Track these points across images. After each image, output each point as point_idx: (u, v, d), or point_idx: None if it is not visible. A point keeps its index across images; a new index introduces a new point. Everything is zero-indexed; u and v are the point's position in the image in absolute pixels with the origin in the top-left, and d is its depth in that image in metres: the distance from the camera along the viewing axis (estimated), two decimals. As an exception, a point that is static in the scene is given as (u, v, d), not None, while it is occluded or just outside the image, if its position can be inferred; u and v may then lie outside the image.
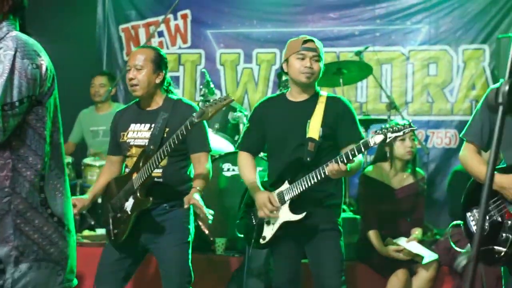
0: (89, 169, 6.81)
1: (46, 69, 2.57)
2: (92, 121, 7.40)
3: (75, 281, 2.80)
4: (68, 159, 6.85)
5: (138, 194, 4.13)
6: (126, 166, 4.40)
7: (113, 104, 7.51)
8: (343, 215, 4.57)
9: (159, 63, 4.36)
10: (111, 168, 4.57)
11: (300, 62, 4.26)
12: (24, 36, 2.56)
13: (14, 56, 2.45)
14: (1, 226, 2.53)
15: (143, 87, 4.29)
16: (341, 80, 6.56)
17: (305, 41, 4.29)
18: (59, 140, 2.70)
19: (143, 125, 4.35)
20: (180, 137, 3.90)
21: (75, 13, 8.77)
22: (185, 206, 4.02)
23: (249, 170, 4.44)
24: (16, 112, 2.45)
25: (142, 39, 8.51)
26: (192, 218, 4.34)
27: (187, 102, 4.42)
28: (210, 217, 3.95)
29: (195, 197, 3.96)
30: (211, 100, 3.85)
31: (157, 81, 4.33)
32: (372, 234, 5.36)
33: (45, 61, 2.58)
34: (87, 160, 6.95)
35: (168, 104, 4.34)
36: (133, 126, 4.38)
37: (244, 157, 4.51)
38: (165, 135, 4.21)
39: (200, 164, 4.27)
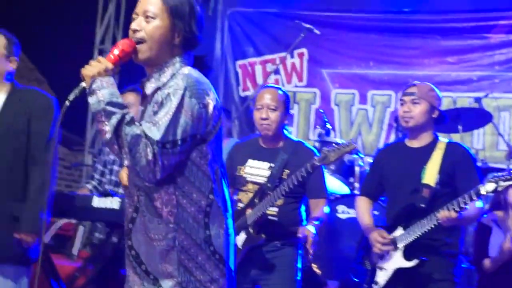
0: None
1: (213, 108, 2.61)
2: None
3: None
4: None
5: (251, 230, 4.21)
6: (239, 200, 4.46)
7: (229, 139, 7.58)
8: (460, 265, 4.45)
9: (288, 105, 4.46)
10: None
11: (400, 107, 4.31)
12: (195, 74, 2.60)
13: (183, 95, 2.50)
14: (166, 262, 2.58)
15: (275, 127, 4.37)
16: (460, 127, 6.41)
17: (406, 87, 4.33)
18: (223, 177, 2.73)
19: (262, 162, 4.42)
20: (300, 179, 3.99)
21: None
22: (299, 235, 4.10)
23: (366, 214, 4.47)
24: (178, 150, 2.50)
25: (259, 76, 8.61)
26: (300, 257, 4.37)
27: (307, 146, 4.49)
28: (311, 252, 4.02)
29: (310, 229, 4.02)
30: (334, 145, 3.94)
31: (286, 121, 4.43)
32: None
33: (213, 100, 2.61)
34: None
35: (289, 145, 4.40)
36: (251, 162, 4.45)
37: (363, 202, 4.55)
38: (283, 176, 4.28)
39: (318, 209, 4.35)
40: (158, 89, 2.60)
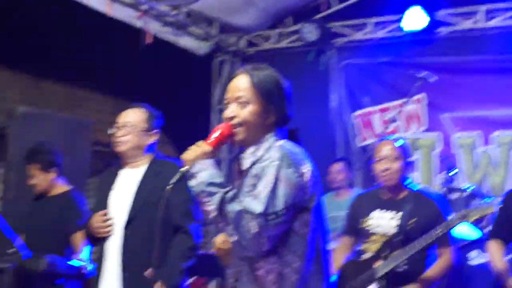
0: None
1: (310, 176, 2.66)
2: (331, 207, 7.47)
3: None
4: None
5: (383, 283, 4.23)
6: (363, 251, 4.47)
7: (351, 190, 7.54)
8: None
9: (408, 154, 4.48)
10: (343, 249, 4.66)
11: None
12: (288, 145, 2.70)
13: (279, 166, 2.58)
14: None
15: (396, 177, 4.40)
16: None
17: None
18: (324, 244, 2.75)
19: (386, 213, 4.44)
20: (439, 235, 4.09)
21: (307, 102, 9.06)
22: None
23: (499, 258, 4.38)
24: (281, 221, 2.55)
25: (377, 125, 8.56)
26: None
27: (430, 194, 4.49)
28: None
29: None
30: (475, 205, 4.04)
31: (402, 170, 4.42)
32: None
33: (308, 168, 2.68)
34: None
35: (412, 194, 4.42)
36: (375, 214, 4.49)
37: (495, 246, 4.48)
38: (409, 225, 4.29)
39: (445, 257, 4.34)
40: (254, 163, 2.68)
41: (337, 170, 7.50)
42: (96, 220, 3.95)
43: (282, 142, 2.71)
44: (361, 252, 4.49)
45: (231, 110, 2.73)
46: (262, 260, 2.62)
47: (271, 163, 2.59)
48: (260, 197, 2.53)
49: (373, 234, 4.42)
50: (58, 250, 4.86)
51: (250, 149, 2.72)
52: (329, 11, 9.03)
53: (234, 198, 2.57)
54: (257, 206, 2.51)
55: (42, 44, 10.93)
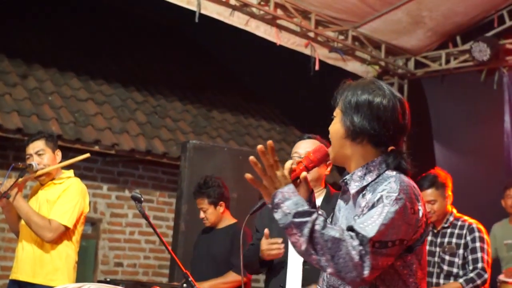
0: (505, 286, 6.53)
1: (422, 215, 2.51)
2: (507, 234, 7.18)
3: None
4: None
5: None
6: None
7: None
8: None
9: None
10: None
11: None
12: (406, 178, 2.54)
13: (397, 198, 2.43)
14: None
15: None
16: None
17: None
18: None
19: None
20: None
21: (481, 125, 8.80)
22: None
23: None
24: (386, 252, 2.40)
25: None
26: None
27: None
28: None
29: None
30: None
31: None
32: None
33: (422, 207, 2.53)
34: (502, 277, 6.69)
35: None
36: None
37: None
38: None
39: None
40: (363, 188, 2.55)
41: (518, 194, 7.18)
42: (265, 242, 3.98)
43: (395, 172, 2.54)
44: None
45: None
46: None
47: (389, 194, 2.44)
48: (375, 223, 2.37)
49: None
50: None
51: (359, 173, 2.57)
52: (502, 27, 8.72)
53: (325, 224, 2.39)
54: (369, 231, 2.36)
55: (210, 74, 11.36)
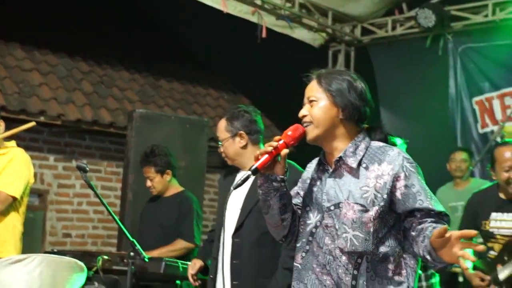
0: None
1: None
2: (451, 197, 7.33)
3: None
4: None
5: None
6: (491, 248, 4.39)
7: (471, 179, 7.36)
8: None
9: None
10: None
11: None
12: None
13: (416, 167, 2.70)
14: None
15: None
16: None
17: None
18: None
19: (506, 214, 4.34)
20: None
21: (426, 90, 8.92)
22: None
23: None
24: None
25: (497, 111, 8.32)
26: None
27: None
28: None
29: None
30: None
31: None
32: None
33: None
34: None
35: None
36: (495, 215, 4.40)
37: None
38: None
39: None
40: (360, 161, 2.71)
41: (461, 159, 7.31)
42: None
43: (382, 144, 2.78)
44: (490, 250, 4.39)
45: (304, 109, 2.77)
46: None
47: (412, 166, 2.68)
48: (433, 198, 2.65)
49: (497, 234, 4.34)
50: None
51: (349, 149, 2.73)
52: (446, -6, 8.82)
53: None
54: (438, 206, 2.63)
55: (158, 43, 11.27)
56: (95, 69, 9.73)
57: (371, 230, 2.63)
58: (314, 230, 2.74)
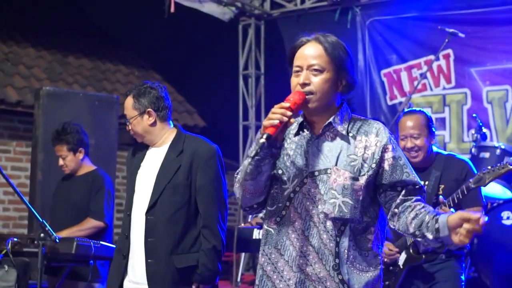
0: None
1: None
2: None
3: None
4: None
5: (411, 251, 4.28)
6: None
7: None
8: None
9: (432, 125, 4.43)
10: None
11: None
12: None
13: (396, 144, 2.76)
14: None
15: (422, 154, 4.36)
16: None
17: None
18: None
19: None
20: (456, 201, 4.06)
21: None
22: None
23: None
24: None
25: (405, 83, 8.49)
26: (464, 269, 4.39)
27: (459, 158, 4.46)
28: None
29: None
30: (489, 168, 3.95)
31: (428, 143, 4.38)
32: None
33: None
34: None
35: (440, 161, 4.39)
36: None
37: None
38: (439, 192, 4.28)
39: None
40: (347, 130, 2.72)
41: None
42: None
43: (362, 116, 2.82)
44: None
45: (305, 77, 2.67)
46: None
47: (395, 143, 2.73)
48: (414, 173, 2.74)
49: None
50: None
51: (337, 118, 2.71)
52: (353, -33, 8.92)
53: None
54: (421, 181, 2.77)
55: (65, 18, 11.01)
56: (-1, 46, 9.45)
57: (360, 198, 2.65)
58: (292, 195, 2.70)
